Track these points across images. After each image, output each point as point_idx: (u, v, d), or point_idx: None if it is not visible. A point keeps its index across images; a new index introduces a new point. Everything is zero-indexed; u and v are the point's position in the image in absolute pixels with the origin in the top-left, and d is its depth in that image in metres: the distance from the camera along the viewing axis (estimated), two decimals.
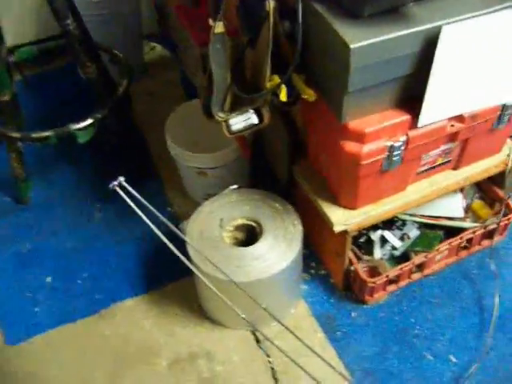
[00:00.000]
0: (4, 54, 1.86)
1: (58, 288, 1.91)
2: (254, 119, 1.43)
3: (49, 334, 1.80)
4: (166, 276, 1.90)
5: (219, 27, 1.42)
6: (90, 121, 1.87)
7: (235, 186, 1.73)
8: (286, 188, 1.84)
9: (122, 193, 1.29)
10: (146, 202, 1.40)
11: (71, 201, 2.16)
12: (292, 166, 1.74)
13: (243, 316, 1.38)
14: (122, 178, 1.35)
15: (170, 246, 1.38)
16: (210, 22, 1.41)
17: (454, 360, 1.67)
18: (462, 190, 1.87)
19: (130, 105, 2.17)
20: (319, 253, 1.88)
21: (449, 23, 1.24)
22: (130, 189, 1.31)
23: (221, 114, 1.44)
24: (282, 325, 1.51)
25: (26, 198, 2.12)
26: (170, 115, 1.97)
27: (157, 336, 1.77)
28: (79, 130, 1.85)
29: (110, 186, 1.36)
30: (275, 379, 1.66)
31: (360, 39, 1.21)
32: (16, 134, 1.87)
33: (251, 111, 1.43)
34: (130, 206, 2.04)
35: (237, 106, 1.49)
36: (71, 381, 1.70)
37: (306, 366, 1.67)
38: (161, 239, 1.97)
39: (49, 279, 1.93)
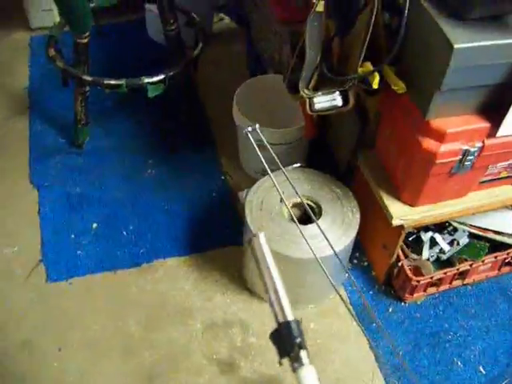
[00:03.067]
0: None
1: (102, 235, 1.94)
2: (339, 101, 1.44)
3: (88, 278, 1.84)
4: (211, 241, 1.93)
5: (320, 6, 1.43)
6: (161, 76, 1.90)
7: (298, 165, 1.74)
8: (345, 174, 1.85)
9: (252, 139, 1.30)
10: (278, 161, 1.39)
11: (124, 153, 2.18)
12: (356, 155, 1.76)
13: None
14: (257, 126, 1.36)
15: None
16: None
17: (483, 371, 1.69)
18: None
19: (196, 69, 2.18)
20: (365, 244, 1.90)
21: None
22: (261, 136, 1.32)
23: (307, 91, 1.46)
24: None
25: (81, 143, 2.15)
26: (240, 86, 1.98)
27: (195, 299, 1.80)
28: (151, 83, 1.88)
29: (245, 131, 1.37)
30: None
31: (464, 41, 1.23)
32: (88, 78, 1.89)
33: (337, 93, 1.45)
34: (183, 165, 2.07)
35: (320, 87, 1.51)
36: (105, 326, 1.73)
37: (338, 351, 1.71)
38: (210, 204, 2.02)
39: (94, 225, 1.96)
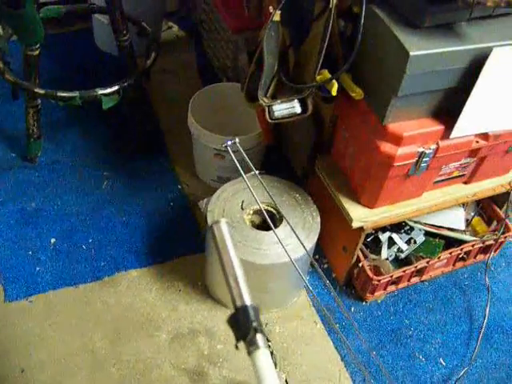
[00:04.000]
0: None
1: (61, 250, 1.90)
2: (298, 108, 1.48)
3: (49, 295, 1.80)
4: (172, 251, 1.93)
5: (277, 15, 1.46)
6: (116, 87, 1.88)
7: (257, 172, 1.76)
8: (302, 179, 1.89)
9: (231, 152, 1.34)
10: (255, 170, 1.44)
11: (79, 166, 2.15)
12: (314, 159, 1.79)
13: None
14: (237, 139, 1.39)
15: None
16: (270, 9, 1.45)
17: (443, 363, 1.76)
18: (464, 204, 1.96)
19: (149, 78, 2.17)
20: (325, 247, 1.94)
21: (500, 46, 1.32)
22: (240, 149, 1.35)
23: (266, 100, 1.48)
24: None
25: (34, 157, 2.11)
26: (194, 94, 1.98)
27: (159, 309, 1.79)
28: (105, 95, 1.86)
29: (224, 144, 1.41)
30: (274, 363, 1.70)
31: (419, 48, 1.28)
32: (41, 91, 1.86)
33: (295, 100, 1.48)
34: (139, 176, 2.06)
35: (278, 94, 1.53)
36: (69, 343, 1.70)
37: (305, 354, 1.74)
38: (168, 214, 2.02)
39: (52, 240, 1.92)
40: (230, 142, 1.38)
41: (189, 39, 2.53)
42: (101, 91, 1.86)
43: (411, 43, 1.28)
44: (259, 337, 0.87)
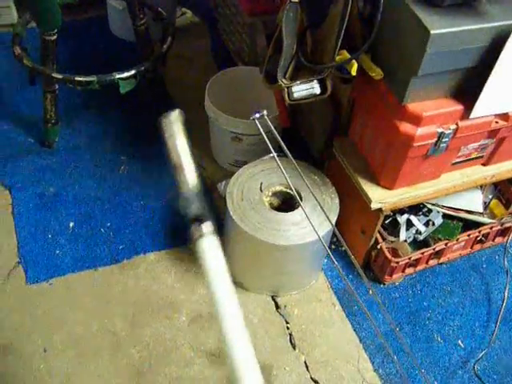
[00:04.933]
0: None
1: (80, 234, 1.92)
2: (317, 89, 1.48)
3: (69, 278, 1.81)
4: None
5: None
6: (133, 72, 1.89)
7: (275, 154, 1.76)
8: (320, 162, 1.89)
9: (259, 126, 1.28)
10: (286, 150, 1.38)
11: (96, 151, 2.16)
12: (331, 142, 1.79)
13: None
14: (265, 112, 1.34)
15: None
16: None
17: (461, 345, 1.76)
18: (481, 187, 1.95)
19: (165, 64, 2.18)
20: (343, 229, 1.93)
21: None
22: (269, 123, 1.31)
23: (284, 81, 1.48)
24: None
25: (51, 142, 2.12)
26: (211, 78, 1.98)
27: (178, 292, 1.80)
28: (123, 79, 1.87)
29: (252, 117, 1.35)
30: (292, 344, 1.72)
31: (440, 27, 1.28)
32: (59, 76, 1.87)
33: (315, 81, 1.47)
34: (156, 160, 2.05)
35: (296, 76, 1.53)
36: (89, 325, 1.71)
37: (323, 336, 1.75)
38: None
39: (71, 224, 1.94)
40: (258, 115, 1.35)
41: (203, 25, 2.53)
42: (118, 75, 1.87)
43: (432, 22, 1.28)
44: (206, 224, 0.84)
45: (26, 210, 1.96)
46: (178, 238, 1.93)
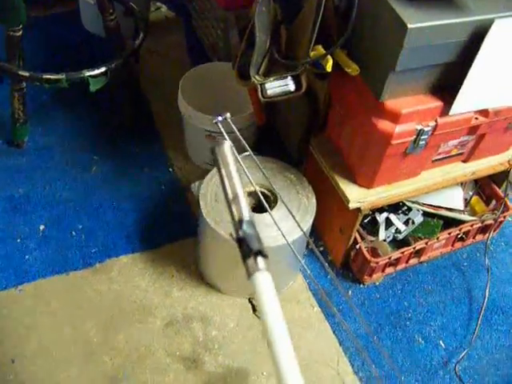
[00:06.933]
0: None
1: (50, 237, 1.85)
2: (292, 86, 1.43)
3: (39, 283, 1.75)
4: (164, 236, 1.88)
5: None
6: (103, 69, 1.83)
7: (249, 153, 1.71)
8: (296, 160, 1.84)
9: (222, 129, 1.21)
10: (252, 153, 1.34)
11: (67, 150, 2.09)
12: (308, 139, 1.74)
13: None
14: (228, 114, 1.28)
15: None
16: None
17: (443, 345, 1.73)
18: (462, 183, 1.92)
19: (138, 60, 2.11)
20: (321, 228, 1.89)
21: (502, 17, 1.27)
22: (232, 126, 1.24)
23: (258, 78, 1.43)
24: None
25: (21, 142, 2.04)
26: (184, 75, 1.93)
27: (152, 296, 1.75)
28: (92, 76, 1.80)
29: (214, 120, 1.29)
30: None
31: (417, 20, 1.23)
32: (25, 73, 1.79)
33: (289, 78, 1.43)
34: (129, 160, 2.00)
35: (271, 72, 1.48)
36: (61, 332, 1.66)
37: (302, 338, 1.71)
38: (160, 198, 1.97)
39: (41, 227, 1.87)
40: (220, 118, 1.30)
41: (178, 20, 2.46)
42: (88, 73, 1.80)
43: (409, 15, 1.23)
44: (260, 260, 0.83)
45: None
46: (151, 239, 1.87)
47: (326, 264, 1.81)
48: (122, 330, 1.67)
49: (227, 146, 0.96)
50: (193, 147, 2.05)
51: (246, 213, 0.88)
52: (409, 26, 1.21)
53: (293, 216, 1.47)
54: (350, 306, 1.74)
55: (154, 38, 2.51)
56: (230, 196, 0.90)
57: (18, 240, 1.84)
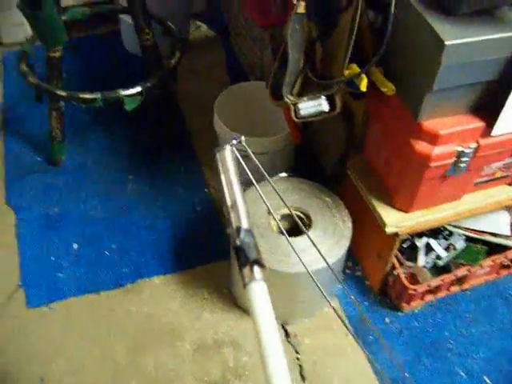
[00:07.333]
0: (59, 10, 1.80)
1: (83, 256, 1.85)
2: (325, 106, 1.38)
3: (70, 302, 1.75)
4: (197, 257, 1.85)
5: (301, 7, 1.37)
6: (139, 88, 1.82)
7: (284, 174, 1.68)
8: (333, 181, 1.79)
9: (236, 152, 1.13)
10: (267, 176, 1.26)
11: (104, 169, 2.10)
12: (344, 160, 1.69)
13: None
14: (243, 138, 1.20)
15: None
16: (294, 0, 1.36)
17: (488, 381, 1.62)
18: (508, 207, 1.83)
19: (176, 79, 2.11)
20: (358, 253, 1.83)
21: None
22: (246, 148, 1.16)
23: (291, 97, 1.39)
24: None
25: (58, 160, 2.06)
26: (220, 93, 1.91)
27: (183, 319, 1.72)
28: (128, 96, 1.80)
29: (229, 144, 1.21)
30: (302, 377, 1.61)
31: (455, 37, 1.18)
32: (62, 93, 1.81)
33: (323, 97, 1.38)
34: (164, 179, 1.98)
35: (304, 92, 1.44)
36: (90, 352, 1.64)
37: (336, 367, 1.64)
38: (194, 219, 1.94)
39: (75, 246, 1.87)
40: (234, 142, 1.20)
41: (218, 39, 2.46)
42: (123, 92, 1.80)
43: (446, 32, 1.17)
44: (256, 269, 0.80)
45: (30, 231, 1.90)
46: (184, 261, 1.85)
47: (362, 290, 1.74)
48: (151, 353, 1.64)
49: (228, 150, 0.93)
50: None
51: (245, 221, 0.85)
52: (446, 42, 1.16)
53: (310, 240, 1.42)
54: (377, 336, 1.66)
55: (193, 57, 2.52)
56: (229, 203, 0.87)
57: (52, 258, 1.84)
